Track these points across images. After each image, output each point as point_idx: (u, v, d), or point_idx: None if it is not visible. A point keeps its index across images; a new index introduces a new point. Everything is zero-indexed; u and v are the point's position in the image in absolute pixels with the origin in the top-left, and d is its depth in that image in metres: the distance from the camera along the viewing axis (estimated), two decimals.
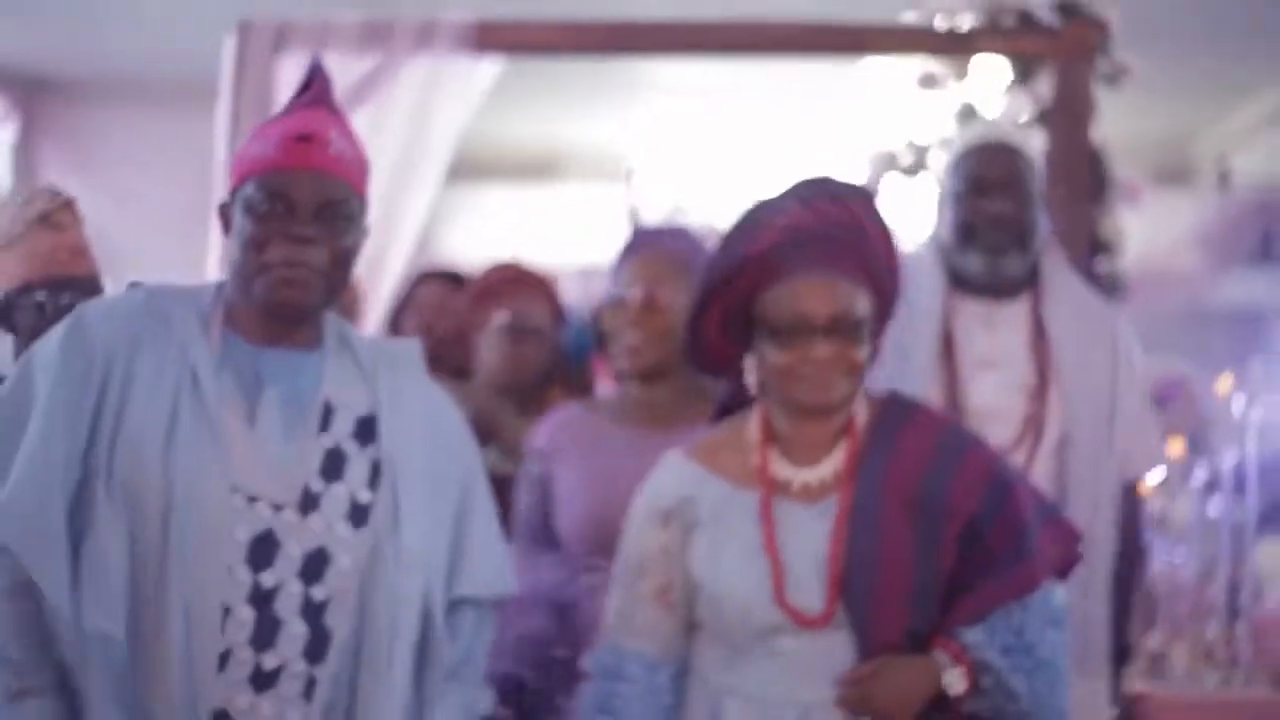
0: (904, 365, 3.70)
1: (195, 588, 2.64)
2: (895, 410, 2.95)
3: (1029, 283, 3.87)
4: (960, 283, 3.85)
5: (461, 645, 2.85)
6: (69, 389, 2.68)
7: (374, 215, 5.01)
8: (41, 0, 8.97)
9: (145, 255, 4.38)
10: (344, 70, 5.15)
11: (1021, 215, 3.79)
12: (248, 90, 5.23)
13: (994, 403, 3.78)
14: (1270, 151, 11.27)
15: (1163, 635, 4.99)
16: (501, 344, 4.33)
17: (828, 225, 2.85)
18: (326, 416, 2.78)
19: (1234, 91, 10.76)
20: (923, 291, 3.80)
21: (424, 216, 5.46)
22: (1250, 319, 12.03)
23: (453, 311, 4.67)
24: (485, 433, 3.91)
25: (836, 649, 2.79)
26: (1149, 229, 10.82)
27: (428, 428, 2.85)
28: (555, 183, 11.15)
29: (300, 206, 2.69)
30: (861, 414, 2.91)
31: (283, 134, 2.75)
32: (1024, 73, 5.76)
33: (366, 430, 2.80)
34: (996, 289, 3.83)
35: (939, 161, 5.73)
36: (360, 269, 4.57)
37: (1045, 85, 5.63)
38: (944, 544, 2.81)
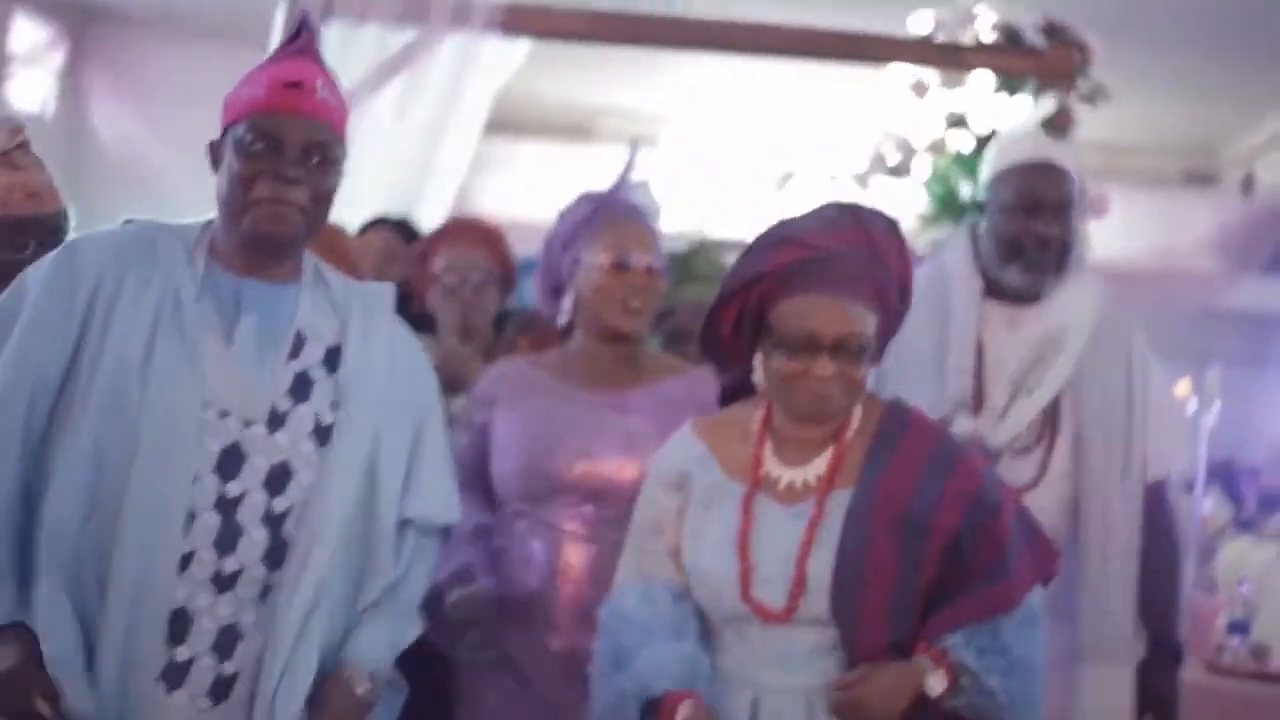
0: (940, 366, 3.89)
1: (161, 492, 2.83)
2: (894, 420, 3.12)
3: (1054, 282, 3.98)
4: (990, 288, 3.97)
5: (400, 566, 3.05)
6: (54, 300, 2.88)
7: (410, 172, 5.80)
8: None
9: (184, 186, 4.18)
10: (384, 40, 5.93)
11: (1067, 237, 3.92)
12: None
13: (1011, 400, 3.91)
14: None
15: None
16: (445, 293, 4.58)
17: (845, 249, 3.04)
18: (298, 344, 2.99)
19: (1263, 100, 11.13)
20: (960, 298, 3.95)
21: (460, 174, 6.02)
22: (1260, 324, 12.42)
23: (400, 260, 4.93)
24: (454, 382, 4.17)
25: (795, 641, 3.00)
26: (1171, 228, 11.32)
27: (389, 361, 3.06)
28: (589, 143, 11.41)
29: (288, 147, 2.91)
30: (857, 419, 3.10)
31: (273, 79, 2.97)
32: (1010, 89, 6.26)
33: (334, 359, 3.01)
34: (1024, 294, 3.95)
35: (923, 165, 6.39)
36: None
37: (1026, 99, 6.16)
38: (926, 558, 2.96)
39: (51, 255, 2.96)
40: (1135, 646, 3.91)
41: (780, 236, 3.09)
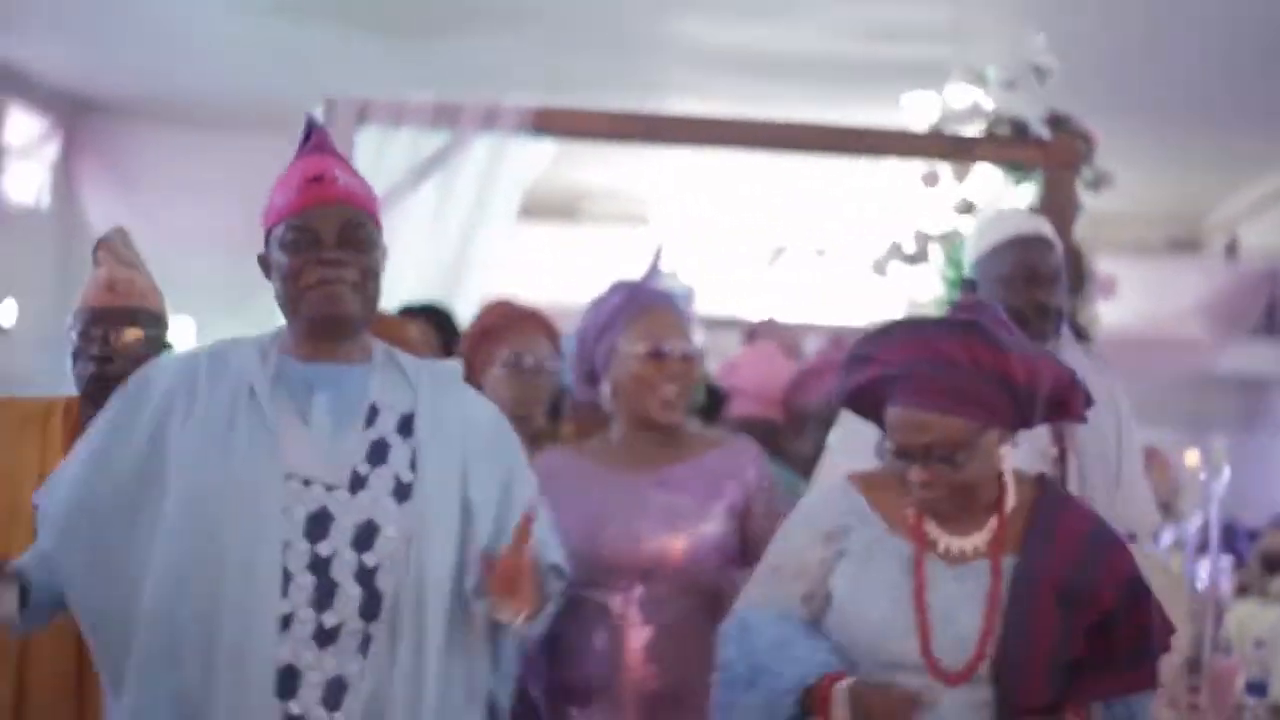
0: None
1: (254, 560, 3.06)
2: (1052, 496, 3.32)
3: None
4: None
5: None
6: (126, 408, 3.19)
7: (444, 265, 6.14)
8: (85, 22, 9.68)
9: (182, 275, 4.49)
10: (417, 143, 6.29)
11: (1061, 306, 4.14)
12: None
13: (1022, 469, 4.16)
14: (1277, 225, 12.13)
15: None
16: (506, 381, 4.55)
17: (917, 363, 3.22)
18: (372, 415, 3.20)
19: (1244, 167, 11.65)
20: None
21: (496, 266, 6.36)
22: (1253, 387, 12.85)
23: (433, 348, 5.06)
24: None
25: (949, 697, 3.15)
26: (1158, 296, 11.67)
27: (465, 424, 3.24)
28: (576, 224, 12.04)
29: (325, 234, 3.15)
30: (1011, 494, 3.26)
31: (299, 179, 3.19)
32: (1017, 177, 6.54)
33: (408, 425, 3.21)
34: None
35: (938, 253, 6.81)
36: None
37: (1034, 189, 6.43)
38: (1079, 631, 3.16)
39: (128, 385, 3.27)
40: None
41: (856, 356, 3.31)
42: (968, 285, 4.23)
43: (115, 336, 3.89)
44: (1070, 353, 4.08)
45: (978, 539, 3.25)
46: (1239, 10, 8.30)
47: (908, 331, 3.30)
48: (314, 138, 3.30)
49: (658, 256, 4.20)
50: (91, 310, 3.92)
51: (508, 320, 4.72)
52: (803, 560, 3.31)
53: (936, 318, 3.47)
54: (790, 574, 3.32)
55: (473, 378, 4.63)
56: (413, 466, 3.19)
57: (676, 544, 3.85)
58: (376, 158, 6.20)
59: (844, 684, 3.15)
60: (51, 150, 11.35)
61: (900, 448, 3.21)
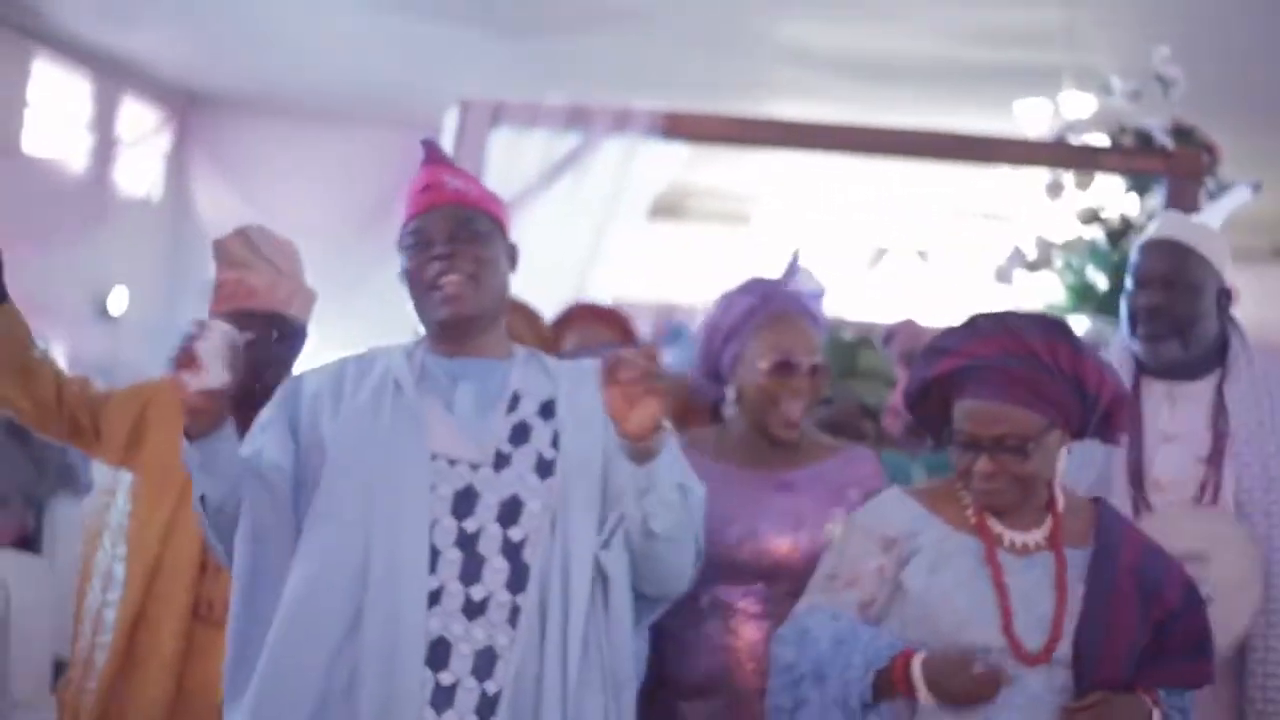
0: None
1: (402, 537, 3.18)
2: (1113, 511, 3.49)
3: (1217, 361, 4.17)
4: (1149, 365, 4.19)
5: None
6: (276, 413, 3.33)
7: (574, 265, 6.30)
8: (200, 16, 9.93)
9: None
10: (550, 145, 6.49)
11: (1175, 307, 4.11)
12: (465, 158, 6.20)
13: (1172, 473, 4.11)
14: None
15: None
16: None
17: (1000, 356, 3.33)
18: (514, 401, 3.33)
19: None
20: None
21: (621, 263, 6.57)
22: None
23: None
24: None
25: (1029, 682, 3.28)
26: (1261, 302, 11.66)
27: (602, 413, 3.22)
28: (681, 221, 12.05)
29: (435, 235, 3.32)
30: (1060, 498, 3.41)
31: (414, 191, 3.40)
32: (1139, 186, 6.76)
33: (549, 409, 3.33)
34: (1181, 370, 4.16)
35: (1059, 259, 6.96)
36: (555, 310, 5.74)
37: (1157, 198, 6.59)
38: (1149, 621, 3.33)
39: (279, 391, 3.40)
40: None
41: (939, 348, 3.41)
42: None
43: (254, 341, 3.86)
44: (1247, 362, 4.15)
45: (1038, 534, 3.38)
46: None
47: (992, 324, 3.40)
48: (428, 154, 3.46)
49: (795, 257, 4.15)
50: (230, 314, 3.99)
51: (576, 315, 4.93)
52: (858, 568, 3.42)
53: (1020, 313, 3.50)
54: (845, 582, 3.43)
55: None
56: (555, 444, 3.29)
57: (799, 546, 3.88)
58: (510, 158, 6.41)
59: (919, 657, 3.28)
60: (164, 141, 11.51)
61: (971, 438, 3.32)
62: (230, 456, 3.23)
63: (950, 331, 3.43)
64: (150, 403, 4.16)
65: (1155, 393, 4.19)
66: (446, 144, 6.46)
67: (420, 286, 3.34)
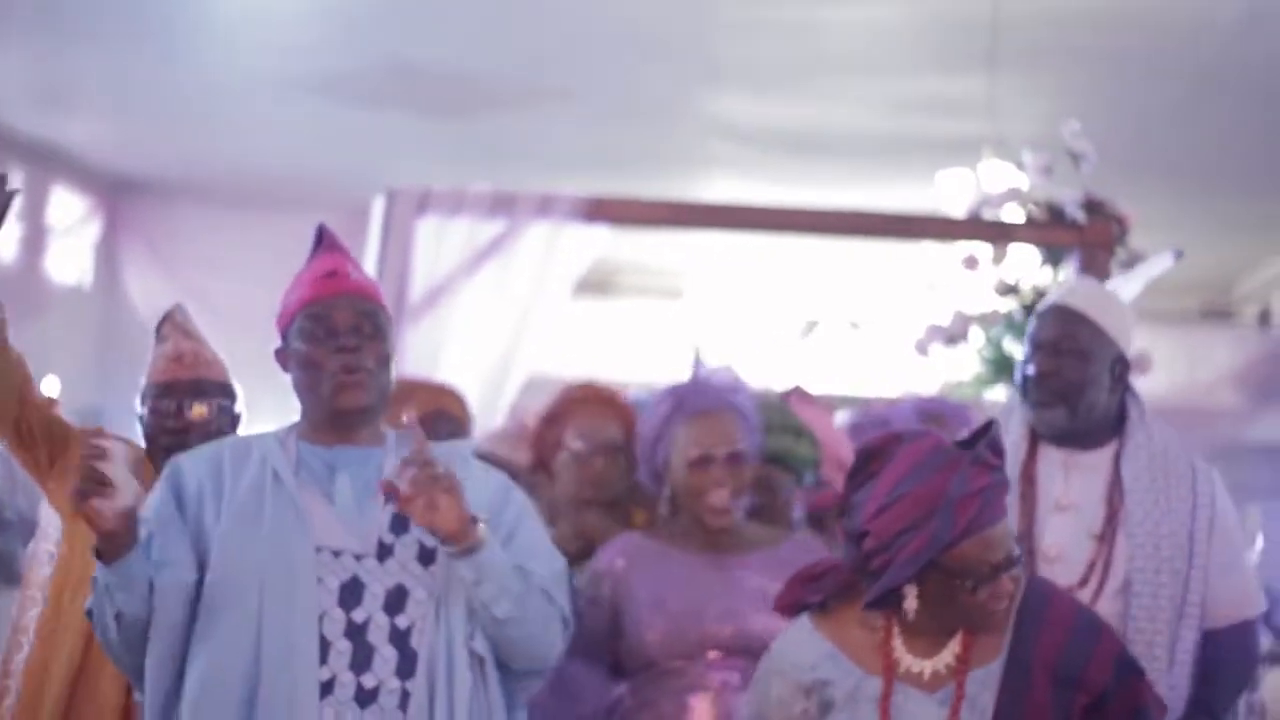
0: None
1: (292, 629, 3.29)
2: (1038, 590, 3.38)
3: (1114, 432, 4.19)
4: (1044, 433, 4.20)
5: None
6: (163, 512, 3.37)
7: (498, 348, 6.47)
8: (127, 103, 10.10)
9: (225, 353, 4.45)
10: (476, 230, 6.62)
11: (1063, 372, 4.13)
12: (392, 246, 6.51)
13: (1064, 545, 4.12)
14: None
15: None
16: (577, 463, 4.80)
17: (995, 472, 3.30)
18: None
19: (1275, 234, 11.87)
20: (1010, 434, 4.12)
21: (545, 345, 6.68)
22: None
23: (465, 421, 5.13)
24: (588, 549, 4.48)
25: None
26: (1189, 364, 11.86)
27: (474, 493, 3.36)
28: (609, 298, 12.27)
29: (341, 323, 3.40)
30: None
31: (313, 275, 3.45)
32: (1053, 258, 6.98)
33: None
34: (1075, 439, 4.18)
35: (977, 334, 7.19)
36: (479, 390, 5.95)
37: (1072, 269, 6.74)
38: (1074, 712, 3.26)
39: (160, 481, 3.46)
40: None
41: (952, 497, 3.24)
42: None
43: (187, 409, 4.14)
44: (1145, 436, 4.18)
45: (947, 655, 3.33)
46: (1270, 81, 8.57)
47: (983, 446, 3.32)
48: (325, 240, 3.53)
49: (697, 354, 4.43)
50: (160, 384, 4.18)
51: (578, 401, 4.92)
52: (787, 714, 3.40)
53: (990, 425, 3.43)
54: None
55: (544, 460, 4.97)
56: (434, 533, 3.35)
57: (774, 623, 3.84)
58: (436, 244, 6.57)
59: None
60: (94, 230, 11.62)
61: (994, 568, 3.24)
62: (143, 569, 3.30)
63: (948, 473, 3.27)
64: None
65: (1051, 461, 4.22)
66: (374, 231, 6.67)
67: (316, 374, 3.41)
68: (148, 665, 3.38)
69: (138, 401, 4.25)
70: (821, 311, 11.93)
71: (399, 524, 3.39)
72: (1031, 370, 4.19)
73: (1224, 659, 4.15)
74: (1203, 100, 8.96)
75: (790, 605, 3.51)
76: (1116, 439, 4.20)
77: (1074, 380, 4.15)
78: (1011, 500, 3.92)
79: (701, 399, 4.32)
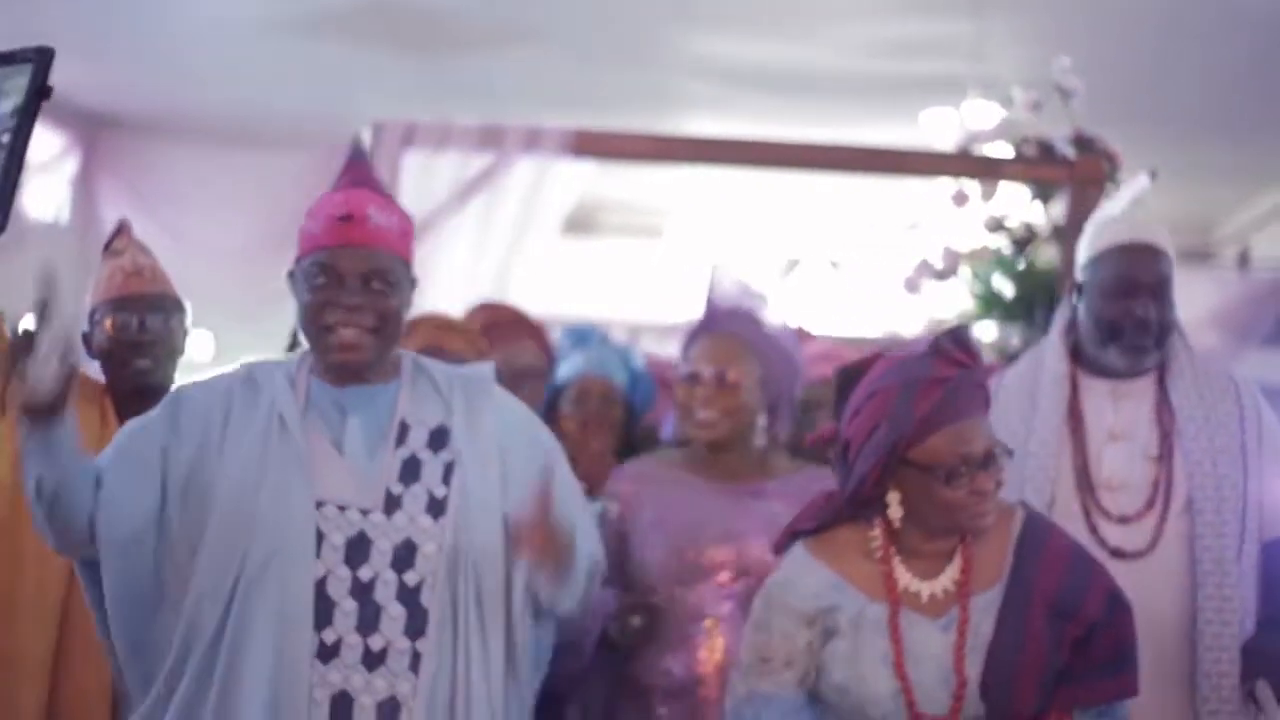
0: (1028, 442, 4.08)
1: (288, 590, 3.16)
2: (1037, 522, 3.43)
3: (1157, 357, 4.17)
4: (1088, 363, 4.19)
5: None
6: (143, 435, 3.29)
7: (487, 284, 6.47)
8: (104, 40, 10.00)
9: (201, 290, 4.54)
10: (464, 165, 6.68)
11: (1164, 317, 4.12)
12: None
13: (1123, 473, 4.13)
14: None
15: None
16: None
17: (966, 370, 3.32)
18: (402, 432, 3.32)
19: (1255, 178, 11.94)
20: (1048, 373, 4.18)
21: (533, 281, 6.70)
22: (1266, 396, 12.94)
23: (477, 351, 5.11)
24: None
25: None
26: (1177, 304, 11.83)
27: (500, 429, 3.34)
28: (591, 237, 12.18)
29: (348, 277, 3.28)
30: (995, 523, 3.36)
31: (327, 215, 3.30)
32: (1043, 194, 6.97)
33: (439, 439, 3.32)
34: (1125, 373, 4.17)
35: (966, 268, 7.16)
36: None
37: (1060, 206, 6.84)
38: (1065, 642, 3.31)
39: (159, 405, 3.38)
40: (1250, 710, 4.08)
41: (911, 383, 3.31)
42: (1075, 290, 4.28)
43: (149, 323, 4.02)
44: (1187, 358, 4.19)
45: (946, 579, 3.37)
46: (1250, 21, 8.52)
47: (934, 347, 3.37)
48: (354, 170, 3.40)
49: (713, 272, 4.38)
50: (120, 299, 4.07)
51: (493, 326, 4.88)
52: (791, 647, 3.40)
53: (963, 327, 3.49)
54: (781, 663, 3.40)
55: None
56: (446, 479, 3.30)
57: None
58: (423, 178, 6.59)
59: None
60: (71, 166, 11.48)
61: (965, 460, 3.28)
62: (70, 445, 3.18)
63: (909, 364, 3.36)
64: None
65: (1097, 392, 4.20)
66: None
67: (316, 326, 3.33)
68: (111, 620, 3.29)
69: (86, 320, 4.11)
70: (804, 251, 11.89)
71: (408, 471, 3.29)
72: (1135, 315, 4.11)
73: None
74: (1182, 42, 8.91)
75: (784, 541, 3.55)
76: (1156, 364, 4.18)
77: (1169, 320, 4.14)
78: (1062, 436, 4.11)
79: (713, 319, 4.32)
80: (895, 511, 3.34)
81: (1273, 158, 11.26)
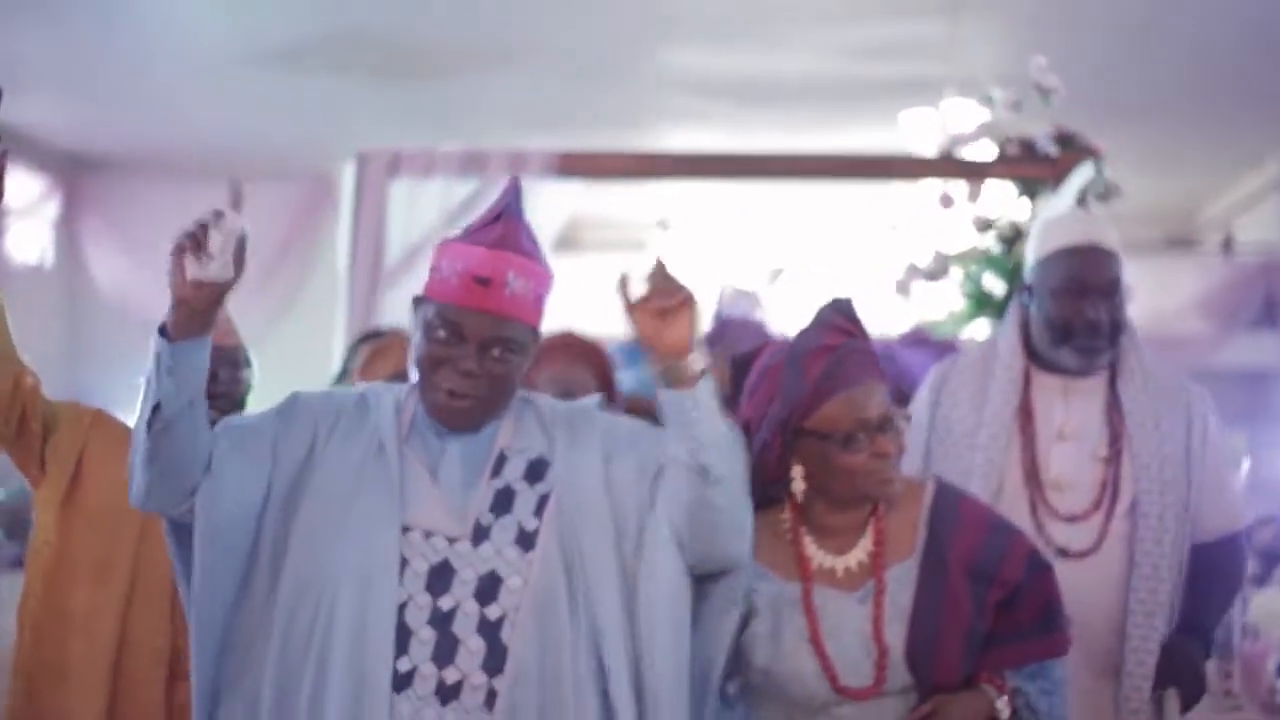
0: (977, 434, 4.08)
1: (367, 616, 3.03)
2: (949, 492, 3.41)
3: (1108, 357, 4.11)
4: (1040, 360, 4.13)
5: None
6: (256, 428, 3.16)
7: None
8: (83, 81, 10.02)
9: None
10: (449, 191, 6.62)
11: (1115, 317, 4.06)
12: (366, 209, 6.51)
13: (1071, 473, 4.06)
14: (1272, 218, 12.42)
15: None
16: None
17: (852, 339, 3.30)
18: (500, 463, 3.17)
19: (1238, 161, 12.03)
20: (1001, 364, 4.13)
21: None
22: (1254, 380, 12.78)
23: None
24: None
25: (887, 709, 3.27)
26: (1156, 292, 11.94)
27: (605, 455, 3.18)
28: (574, 254, 11.79)
29: (470, 341, 3.08)
30: (905, 497, 3.36)
31: (465, 271, 3.10)
32: (1029, 191, 6.94)
33: (537, 470, 3.18)
34: (1077, 372, 4.11)
35: (956, 272, 7.18)
36: None
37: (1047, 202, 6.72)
38: (988, 606, 3.29)
39: (275, 405, 3.23)
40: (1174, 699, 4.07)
41: (800, 353, 3.31)
42: (1023, 290, 4.22)
43: (221, 375, 3.85)
44: (1138, 359, 4.14)
45: (859, 553, 3.34)
46: (1228, 4, 8.58)
47: (830, 313, 3.35)
48: (503, 224, 3.19)
49: (722, 291, 4.36)
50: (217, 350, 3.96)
51: (553, 348, 4.72)
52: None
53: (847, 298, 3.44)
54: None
55: None
56: (539, 512, 3.16)
57: None
58: (410, 206, 6.56)
59: None
60: (53, 209, 11.58)
61: (860, 424, 3.26)
62: (201, 369, 3.02)
63: (799, 337, 3.35)
64: (91, 437, 3.97)
65: (1049, 388, 4.15)
66: (347, 195, 6.67)
67: (428, 374, 3.17)
68: (193, 601, 3.16)
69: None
70: (790, 258, 11.94)
71: (501, 502, 3.16)
72: (1086, 316, 4.06)
73: (1214, 572, 4.11)
74: (1161, 27, 8.98)
75: None
76: (1108, 365, 4.15)
77: (1119, 320, 4.09)
78: (1012, 432, 4.07)
79: (713, 334, 4.43)
80: (799, 485, 3.31)
81: (1251, 139, 11.34)
